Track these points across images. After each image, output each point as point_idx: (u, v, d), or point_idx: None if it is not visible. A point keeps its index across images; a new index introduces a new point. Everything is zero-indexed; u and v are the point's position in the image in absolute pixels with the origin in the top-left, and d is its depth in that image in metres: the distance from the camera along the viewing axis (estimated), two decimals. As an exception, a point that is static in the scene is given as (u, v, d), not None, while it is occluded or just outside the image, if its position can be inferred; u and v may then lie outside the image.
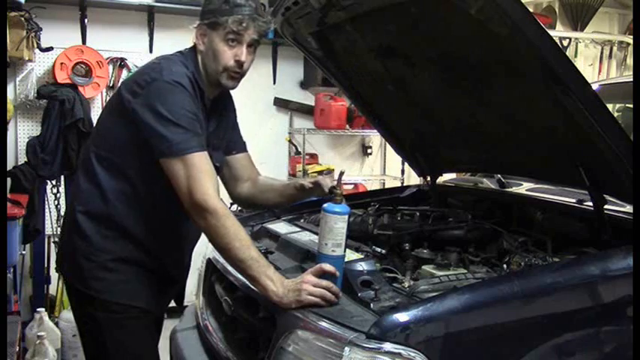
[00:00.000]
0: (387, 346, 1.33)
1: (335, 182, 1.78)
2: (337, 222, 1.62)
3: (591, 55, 5.81)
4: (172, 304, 2.11)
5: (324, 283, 1.57)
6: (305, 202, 2.32)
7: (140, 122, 1.73)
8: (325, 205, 1.65)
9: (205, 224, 1.68)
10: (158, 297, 1.93)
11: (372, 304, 1.51)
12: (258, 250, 1.70)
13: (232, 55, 1.83)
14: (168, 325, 2.25)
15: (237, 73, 1.87)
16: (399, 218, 2.30)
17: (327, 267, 1.61)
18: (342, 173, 1.78)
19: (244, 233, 1.69)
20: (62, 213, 4.04)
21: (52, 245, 4.01)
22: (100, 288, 1.82)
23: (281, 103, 4.92)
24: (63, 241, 2.00)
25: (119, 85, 1.90)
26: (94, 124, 2.05)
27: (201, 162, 1.71)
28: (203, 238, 1.81)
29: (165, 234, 1.89)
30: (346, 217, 1.64)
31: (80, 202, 1.86)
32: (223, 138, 2.06)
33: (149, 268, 1.87)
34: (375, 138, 5.14)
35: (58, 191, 4.02)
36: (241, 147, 2.18)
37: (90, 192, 1.84)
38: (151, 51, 4.38)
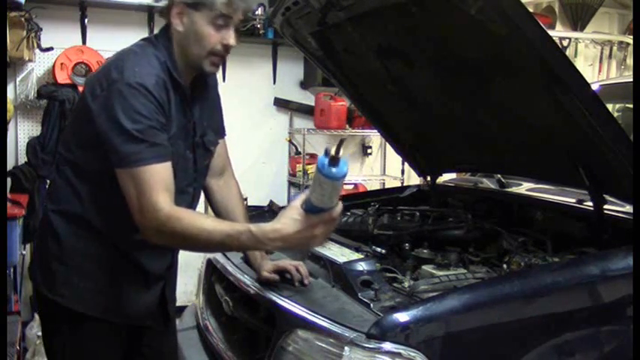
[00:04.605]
0: (387, 345, 1.33)
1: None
2: (339, 184, 1.46)
3: (591, 55, 5.80)
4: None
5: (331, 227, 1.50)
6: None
7: (97, 126, 1.60)
8: (324, 170, 1.42)
9: (166, 238, 1.59)
10: (133, 306, 1.80)
11: (372, 304, 1.52)
12: (228, 222, 1.65)
13: (219, 39, 1.66)
14: (169, 325, 2.24)
15: (222, 57, 1.71)
16: (399, 218, 2.30)
17: (335, 213, 1.49)
18: (342, 141, 1.46)
19: (204, 219, 1.59)
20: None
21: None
22: (70, 295, 1.71)
23: (281, 103, 4.92)
24: (36, 246, 1.87)
25: (84, 82, 1.77)
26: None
27: (154, 175, 1.57)
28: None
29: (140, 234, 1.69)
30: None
31: (53, 201, 1.76)
32: (211, 119, 1.89)
33: (125, 271, 1.76)
34: (375, 138, 5.14)
35: (58, 191, 4.01)
36: (222, 131, 1.97)
37: (64, 191, 1.73)
38: (151, 51, 4.37)
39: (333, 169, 1.42)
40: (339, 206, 1.50)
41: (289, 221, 1.50)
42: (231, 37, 1.67)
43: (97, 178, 1.70)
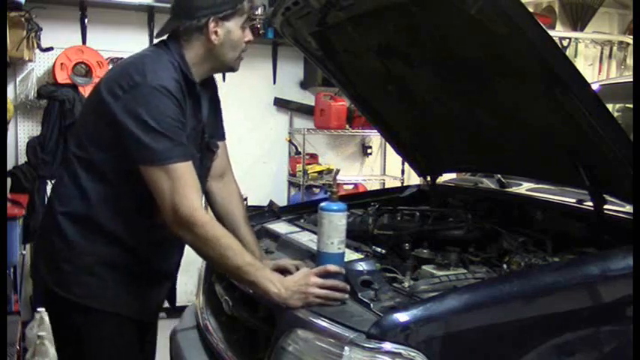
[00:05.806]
0: (387, 345, 1.33)
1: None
2: (341, 219, 1.64)
3: (591, 55, 5.80)
4: (166, 304, 2.03)
5: (330, 282, 1.58)
6: (306, 202, 2.31)
7: (120, 127, 1.64)
8: (324, 205, 1.66)
9: (194, 238, 1.64)
10: (144, 303, 1.84)
11: (372, 304, 1.52)
12: (250, 254, 1.69)
13: (244, 38, 1.80)
14: (169, 325, 2.25)
15: None
16: (399, 218, 2.30)
17: (333, 267, 1.61)
18: (337, 171, 1.80)
19: (234, 240, 1.67)
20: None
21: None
22: (81, 293, 1.74)
23: (281, 103, 4.92)
24: (40, 244, 1.88)
25: (98, 82, 1.78)
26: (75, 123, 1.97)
27: (185, 173, 1.64)
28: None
29: (152, 235, 1.78)
30: (346, 213, 1.66)
31: (61, 202, 1.77)
32: (216, 121, 1.96)
33: (135, 271, 1.79)
34: (375, 138, 5.14)
35: (58, 191, 4.01)
36: (222, 134, 2.02)
37: (72, 192, 1.75)
38: (151, 51, 4.37)
39: (330, 203, 1.65)
40: (336, 267, 1.62)
41: (295, 274, 1.67)
42: (250, 34, 1.82)
43: (113, 178, 1.72)
